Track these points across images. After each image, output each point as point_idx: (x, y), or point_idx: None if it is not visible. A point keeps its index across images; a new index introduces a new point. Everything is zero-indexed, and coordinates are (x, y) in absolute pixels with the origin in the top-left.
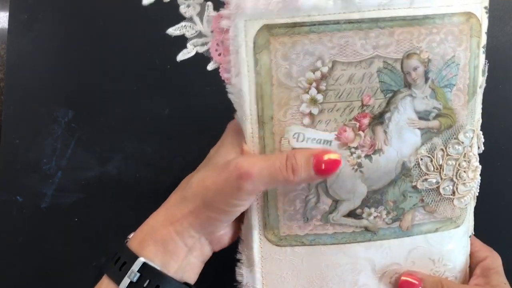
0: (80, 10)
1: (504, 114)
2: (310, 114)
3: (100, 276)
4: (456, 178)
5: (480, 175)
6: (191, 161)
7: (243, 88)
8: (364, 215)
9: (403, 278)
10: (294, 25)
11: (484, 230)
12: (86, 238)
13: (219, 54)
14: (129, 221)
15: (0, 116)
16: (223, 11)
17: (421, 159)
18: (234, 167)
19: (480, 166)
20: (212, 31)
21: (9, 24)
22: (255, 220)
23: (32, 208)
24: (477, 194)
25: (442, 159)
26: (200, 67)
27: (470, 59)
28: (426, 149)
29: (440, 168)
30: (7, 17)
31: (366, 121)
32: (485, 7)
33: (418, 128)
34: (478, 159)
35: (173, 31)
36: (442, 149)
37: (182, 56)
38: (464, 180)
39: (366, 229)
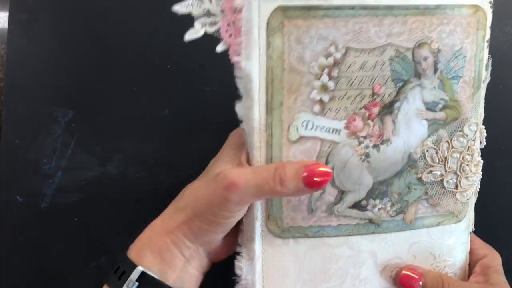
0: (80, 10)
1: (504, 114)
2: (321, 102)
3: (100, 276)
4: (460, 172)
5: (481, 176)
6: (191, 161)
7: (253, 72)
8: (369, 207)
9: (403, 272)
10: (310, 8)
11: (484, 230)
12: (86, 238)
13: (230, 35)
14: (129, 221)
15: (0, 116)
16: None
17: (427, 150)
18: (221, 178)
19: (482, 161)
20: (222, 10)
21: (9, 24)
22: (258, 211)
23: (32, 208)
24: (478, 189)
25: (447, 151)
26: (200, 67)
27: (476, 52)
28: (432, 140)
29: (445, 161)
30: (7, 17)
31: (375, 110)
32: (490, 2)
33: (425, 119)
34: (480, 153)
35: (179, 8)
36: (447, 141)
37: (189, 35)
38: (467, 174)
39: (370, 221)
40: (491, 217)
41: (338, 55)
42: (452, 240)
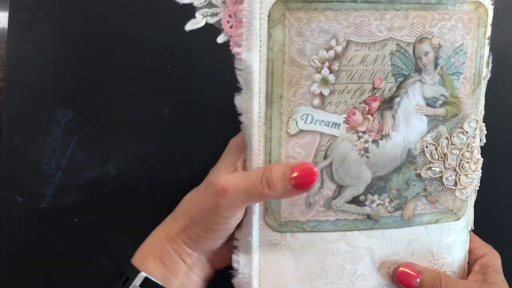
0: (80, 10)
1: (504, 114)
2: (321, 95)
3: (100, 276)
4: (459, 169)
5: (480, 174)
6: (191, 161)
7: (253, 64)
8: (367, 202)
9: (401, 269)
10: (311, 0)
11: (484, 230)
12: (86, 238)
13: (231, 26)
14: (129, 221)
15: (0, 116)
16: None
17: (427, 146)
18: (212, 185)
19: (482, 159)
20: (223, 2)
21: (9, 24)
22: (256, 205)
23: (32, 208)
24: (478, 188)
25: (447, 148)
26: (200, 67)
27: (476, 48)
28: (431, 136)
29: (445, 157)
30: (7, 17)
31: (375, 104)
32: None
33: (425, 115)
34: (480, 151)
35: None
36: (447, 138)
37: (190, 25)
38: (466, 171)
39: (368, 217)
40: (491, 217)
41: (339, 49)
42: (450, 238)
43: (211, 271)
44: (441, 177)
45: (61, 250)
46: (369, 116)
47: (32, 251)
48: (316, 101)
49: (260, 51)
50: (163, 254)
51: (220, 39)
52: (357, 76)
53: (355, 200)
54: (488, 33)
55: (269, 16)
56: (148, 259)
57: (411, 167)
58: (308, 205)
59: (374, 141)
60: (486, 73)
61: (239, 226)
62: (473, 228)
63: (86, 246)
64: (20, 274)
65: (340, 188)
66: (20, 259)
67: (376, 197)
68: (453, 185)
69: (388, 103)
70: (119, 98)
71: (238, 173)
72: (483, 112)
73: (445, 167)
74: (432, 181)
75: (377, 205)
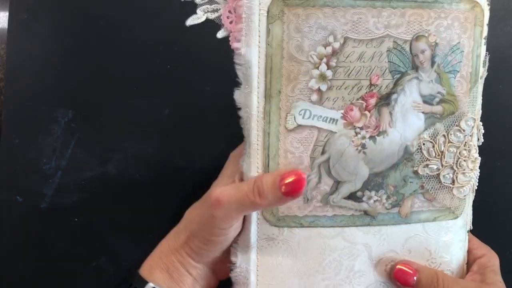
0: (80, 10)
1: (504, 114)
2: (319, 91)
3: (100, 276)
4: (457, 167)
5: (480, 175)
6: (191, 161)
7: (252, 59)
8: (364, 198)
9: (398, 266)
10: None
11: (484, 230)
12: (86, 238)
13: (231, 22)
14: (129, 221)
15: (0, 116)
16: None
17: (424, 144)
18: (207, 197)
19: (480, 158)
20: None
21: (9, 24)
22: None
23: (32, 208)
24: (476, 187)
25: (444, 146)
26: (200, 67)
27: (473, 47)
28: (428, 134)
29: (442, 155)
30: (7, 17)
31: (373, 101)
32: None
33: (422, 112)
34: (477, 150)
35: None
36: (444, 135)
37: (191, 21)
38: (464, 169)
39: (366, 213)
40: (491, 217)
41: (336, 45)
42: (448, 237)
43: (215, 282)
44: (438, 174)
45: (61, 250)
46: (366, 112)
47: (32, 251)
48: (314, 97)
49: (259, 47)
50: (170, 266)
51: (220, 34)
52: (355, 73)
53: (352, 196)
54: (485, 33)
55: (268, 12)
56: (155, 271)
57: (408, 164)
58: (305, 200)
59: (371, 137)
60: (483, 72)
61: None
62: (471, 228)
63: (86, 246)
64: (20, 274)
65: (337, 184)
66: (20, 259)
67: (373, 193)
68: (451, 183)
69: (385, 100)
70: (119, 98)
71: (232, 185)
72: (481, 111)
73: (442, 165)
74: (429, 178)
75: (374, 201)
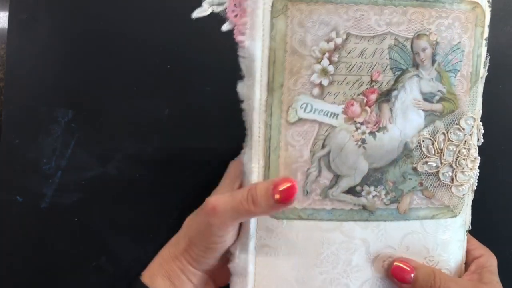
0: (80, 10)
1: (504, 114)
2: (320, 85)
3: (100, 276)
4: (456, 165)
5: (480, 175)
6: (191, 162)
7: (256, 52)
8: (363, 193)
9: (396, 263)
10: None
11: (483, 230)
12: (86, 238)
13: (235, 15)
14: (129, 221)
15: (0, 116)
16: None
17: (423, 141)
18: (204, 205)
19: (479, 158)
20: None
21: (9, 24)
22: None
23: (32, 208)
24: (475, 187)
25: (443, 143)
26: (200, 67)
27: (474, 47)
28: (428, 131)
29: (441, 152)
30: (7, 17)
31: (373, 97)
32: (488, 1)
33: (422, 110)
34: (477, 150)
35: None
36: (443, 133)
37: (197, 13)
38: (463, 168)
39: (364, 208)
40: (490, 217)
41: (339, 40)
42: (447, 235)
43: None
44: (437, 172)
45: (61, 250)
46: (367, 107)
47: (32, 251)
48: (316, 91)
49: (263, 40)
50: (171, 273)
51: (225, 27)
52: (356, 68)
53: (351, 190)
54: (486, 34)
55: (272, 7)
56: (157, 278)
57: (407, 161)
58: (305, 193)
59: (371, 133)
60: (483, 73)
61: None
62: (470, 228)
63: (86, 246)
64: (20, 274)
65: (337, 178)
66: (20, 259)
67: (372, 188)
68: (450, 181)
69: (386, 96)
70: (119, 98)
71: (228, 193)
72: (481, 111)
73: (441, 163)
74: (428, 175)
75: (373, 196)
